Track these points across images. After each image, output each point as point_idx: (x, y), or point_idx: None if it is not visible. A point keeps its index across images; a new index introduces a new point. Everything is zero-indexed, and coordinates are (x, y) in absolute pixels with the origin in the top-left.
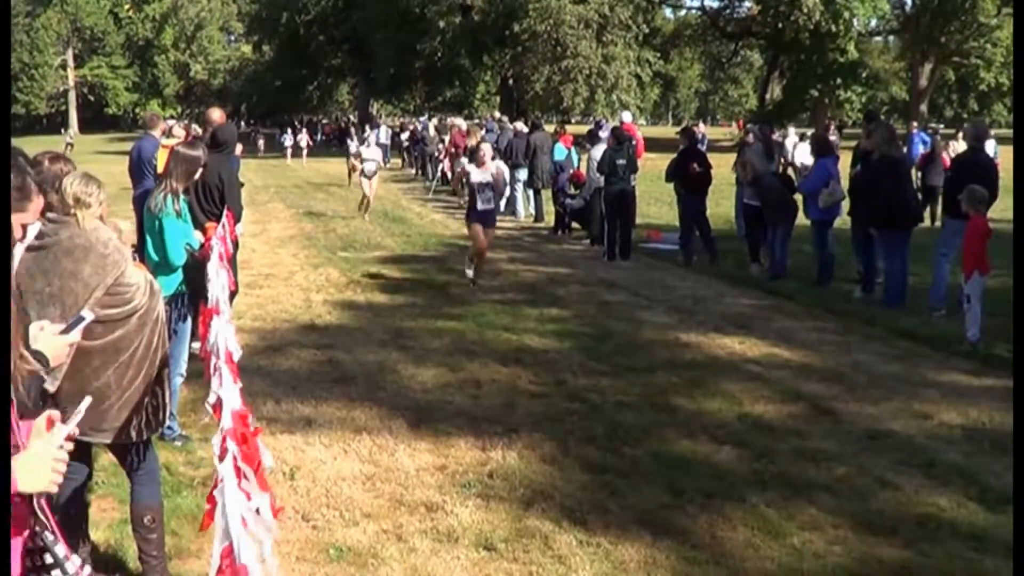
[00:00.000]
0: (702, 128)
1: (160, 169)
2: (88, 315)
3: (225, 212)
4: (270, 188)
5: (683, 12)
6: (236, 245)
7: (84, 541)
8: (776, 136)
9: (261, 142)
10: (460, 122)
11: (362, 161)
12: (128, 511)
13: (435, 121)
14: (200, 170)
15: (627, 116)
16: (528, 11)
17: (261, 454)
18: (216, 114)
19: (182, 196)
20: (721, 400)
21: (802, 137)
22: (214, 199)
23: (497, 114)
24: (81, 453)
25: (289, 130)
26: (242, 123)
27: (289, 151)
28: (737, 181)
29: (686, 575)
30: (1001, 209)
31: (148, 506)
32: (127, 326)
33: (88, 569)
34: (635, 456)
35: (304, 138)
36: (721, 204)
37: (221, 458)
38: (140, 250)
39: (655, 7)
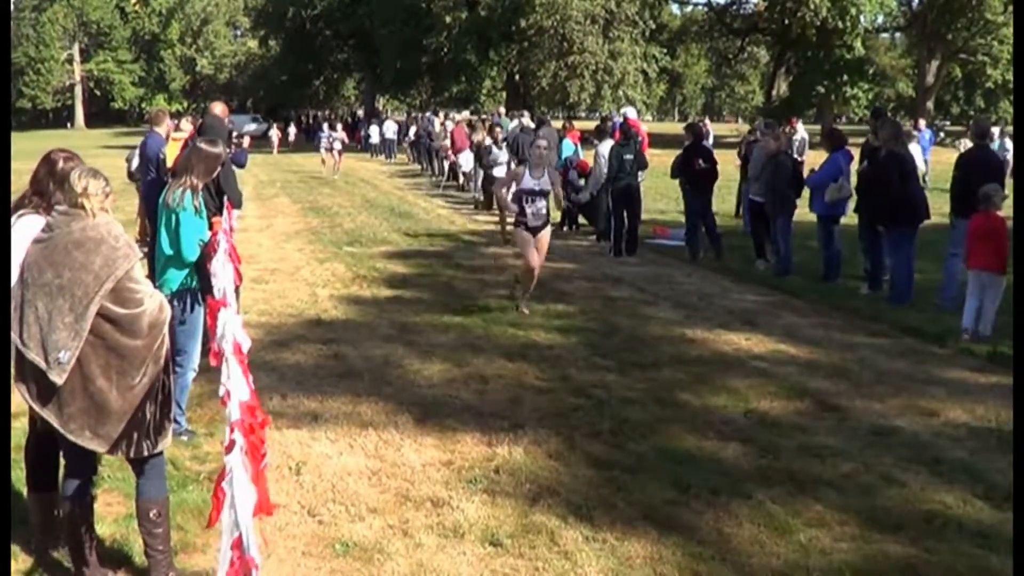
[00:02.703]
0: (708, 125)
1: (169, 164)
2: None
3: (225, 203)
4: (276, 183)
5: (689, 8)
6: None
7: (89, 536)
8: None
9: (276, 138)
10: (451, 120)
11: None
12: (133, 506)
13: (441, 116)
14: (219, 168)
15: (631, 112)
16: (535, 6)
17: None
18: (218, 108)
19: (200, 192)
20: (727, 396)
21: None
22: (210, 191)
23: (503, 109)
24: (85, 450)
25: (325, 126)
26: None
27: (324, 153)
28: (743, 177)
29: (692, 571)
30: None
31: (154, 500)
32: (137, 333)
33: None
34: (641, 452)
35: (340, 137)
36: (727, 200)
37: (228, 450)
38: (152, 242)
39: (661, 3)
